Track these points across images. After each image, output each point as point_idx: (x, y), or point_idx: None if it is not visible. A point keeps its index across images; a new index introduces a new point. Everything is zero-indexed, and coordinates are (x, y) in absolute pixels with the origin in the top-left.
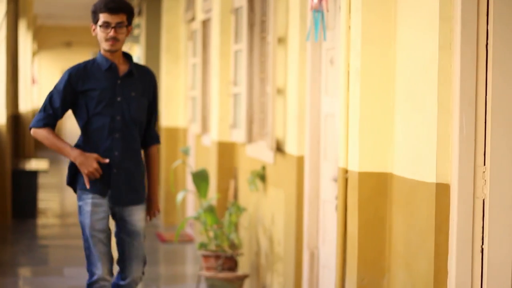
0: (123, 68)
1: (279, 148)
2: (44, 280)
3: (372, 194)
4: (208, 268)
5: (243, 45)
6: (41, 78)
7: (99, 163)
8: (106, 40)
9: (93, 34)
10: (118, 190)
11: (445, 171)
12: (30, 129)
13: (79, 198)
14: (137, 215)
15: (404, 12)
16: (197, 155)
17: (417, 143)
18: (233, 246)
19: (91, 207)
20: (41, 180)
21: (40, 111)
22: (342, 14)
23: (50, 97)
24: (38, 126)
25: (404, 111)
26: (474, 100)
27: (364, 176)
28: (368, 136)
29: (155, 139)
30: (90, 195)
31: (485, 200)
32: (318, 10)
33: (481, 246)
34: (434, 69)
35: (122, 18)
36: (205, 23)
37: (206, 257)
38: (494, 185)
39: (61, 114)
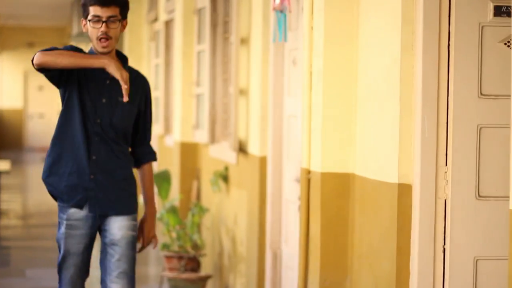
0: None
1: (242, 149)
2: (5, 282)
3: (335, 195)
4: (170, 269)
5: (206, 45)
6: (3, 79)
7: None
8: (98, 38)
9: (84, 30)
10: (95, 198)
11: (407, 171)
12: (33, 60)
13: (59, 211)
14: (119, 223)
15: (367, 13)
16: (160, 156)
17: (379, 144)
18: (196, 246)
19: (66, 229)
20: (3, 181)
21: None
22: (305, 15)
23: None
24: (45, 50)
25: (366, 112)
26: (436, 101)
27: (326, 177)
28: (331, 137)
29: (151, 155)
30: (66, 212)
31: (446, 201)
32: (280, 11)
33: (443, 246)
34: (396, 70)
35: (114, 11)
36: (168, 24)
37: (168, 258)
38: (456, 185)
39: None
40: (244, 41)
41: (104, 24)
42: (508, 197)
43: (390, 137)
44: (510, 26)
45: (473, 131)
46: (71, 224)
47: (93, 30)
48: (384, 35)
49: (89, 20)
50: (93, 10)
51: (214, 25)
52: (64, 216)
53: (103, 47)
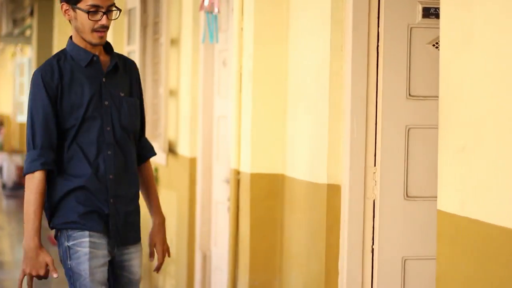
0: (105, 60)
1: (171, 150)
2: None
3: (264, 196)
4: None
5: (136, 46)
6: None
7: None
8: (94, 30)
9: (66, 17)
10: (116, 227)
11: (336, 172)
12: (24, 175)
13: (69, 238)
14: (137, 259)
15: (296, 14)
16: None
17: (309, 145)
18: None
19: (90, 248)
20: None
21: (28, 147)
22: (235, 16)
23: (32, 121)
24: (34, 169)
25: (296, 113)
26: (365, 102)
27: (256, 178)
28: (260, 138)
29: (152, 150)
30: (86, 233)
31: (375, 201)
32: (210, 12)
33: (372, 246)
34: (326, 71)
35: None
36: None
37: None
38: (384, 185)
39: (56, 138)
40: (174, 42)
41: (104, 16)
42: (436, 197)
43: (319, 137)
44: (438, 28)
45: (402, 131)
46: (95, 243)
47: (89, 21)
48: (313, 36)
49: (83, 10)
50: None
51: (144, 26)
52: (86, 233)
53: (100, 38)
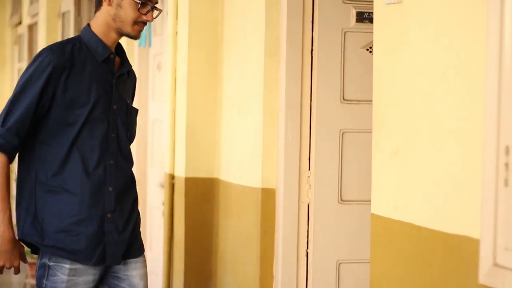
0: (116, 61)
1: None
2: None
3: (199, 200)
4: (34, 276)
5: None
6: None
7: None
8: (136, 23)
9: (106, 3)
10: (113, 243)
11: (271, 176)
12: None
13: (50, 256)
14: (138, 269)
15: (231, 19)
16: None
17: (244, 149)
18: None
19: (69, 276)
20: None
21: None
22: (169, 20)
23: (14, 100)
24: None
25: (231, 117)
26: (299, 106)
27: (190, 182)
28: (195, 142)
29: None
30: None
31: (310, 205)
32: None
33: (306, 250)
34: (260, 75)
35: None
36: (32, 27)
37: (32, 265)
38: (319, 189)
39: (26, 130)
40: None
41: (151, 12)
42: (370, 201)
43: (253, 142)
44: (372, 32)
45: (336, 136)
46: (76, 269)
47: (136, 13)
48: (248, 41)
49: (141, 3)
50: None
51: (78, 29)
52: (62, 260)
53: (139, 32)
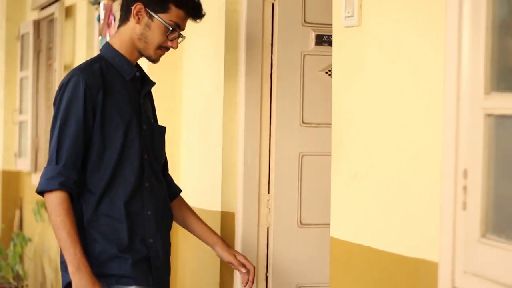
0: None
1: None
2: None
3: None
4: None
5: (29, 72)
6: None
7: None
8: (159, 47)
9: (134, 20)
10: (159, 269)
11: (231, 199)
12: (41, 193)
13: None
14: None
15: (191, 41)
16: None
17: (203, 172)
18: (18, 277)
19: None
20: None
21: (50, 160)
22: None
23: (60, 132)
24: (51, 187)
25: (190, 139)
26: (259, 129)
27: None
28: None
29: (177, 186)
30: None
31: (269, 228)
32: (105, 38)
33: (266, 274)
34: (219, 98)
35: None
36: None
37: None
38: (278, 213)
39: (81, 158)
40: (68, 67)
41: (177, 39)
42: (329, 224)
43: (213, 164)
44: (331, 55)
45: (295, 159)
46: None
47: (163, 37)
48: (207, 63)
49: (163, 21)
50: (177, 14)
51: (37, 52)
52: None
53: (160, 56)
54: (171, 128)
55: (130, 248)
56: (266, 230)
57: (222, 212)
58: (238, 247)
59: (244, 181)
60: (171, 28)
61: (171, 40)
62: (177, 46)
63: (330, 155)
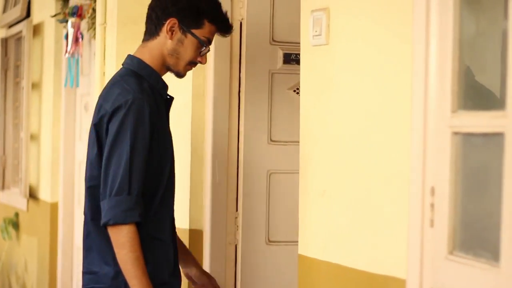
0: None
1: (32, 195)
2: None
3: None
4: None
5: None
6: None
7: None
8: (190, 63)
9: (167, 35)
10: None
11: (199, 217)
12: (111, 225)
13: None
14: None
15: None
16: None
17: None
18: None
19: None
20: None
21: (120, 190)
22: (97, 61)
23: (131, 159)
24: (131, 220)
25: None
26: (227, 147)
27: None
28: None
29: None
30: None
31: (237, 246)
32: (73, 56)
33: None
34: (188, 116)
35: None
36: None
37: None
38: (246, 230)
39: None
40: (36, 85)
41: (206, 53)
42: (297, 241)
43: (181, 182)
44: (299, 73)
45: (263, 177)
46: None
47: (193, 52)
48: (175, 81)
49: (196, 37)
50: (210, 31)
51: (5, 69)
52: None
53: (187, 72)
54: None
55: (175, 272)
56: (234, 247)
57: (190, 229)
58: (206, 265)
59: (212, 199)
60: (204, 44)
61: (201, 56)
62: (206, 61)
63: (298, 173)
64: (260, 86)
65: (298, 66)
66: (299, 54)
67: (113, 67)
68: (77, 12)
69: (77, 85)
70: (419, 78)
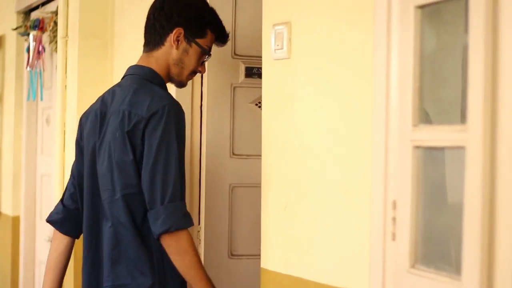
0: None
1: None
2: None
3: None
4: None
5: None
6: None
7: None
8: (192, 72)
9: (173, 45)
10: None
11: None
12: (172, 232)
13: None
14: None
15: (121, 73)
16: None
17: None
18: None
19: None
20: None
21: (173, 197)
22: (59, 74)
23: (179, 165)
24: (190, 224)
25: None
26: (189, 160)
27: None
28: None
29: None
30: None
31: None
32: (34, 69)
33: None
34: None
35: None
36: None
37: None
38: (209, 244)
39: None
40: None
41: (205, 62)
42: (259, 255)
43: None
44: (260, 87)
45: (226, 190)
46: None
47: (196, 61)
48: None
49: (200, 46)
50: (211, 40)
51: None
52: None
53: (188, 80)
54: None
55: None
56: None
57: None
58: None
59: None
60: (207, 53)
61: (202, 65)
62: (205, 70)
63: (260, 186)
64: (222, 100)
65: (260, 80)
66: (261, 68)
67: (74, 80)
68: (39, 25)
69: (40, 99)
70: (380, 92)
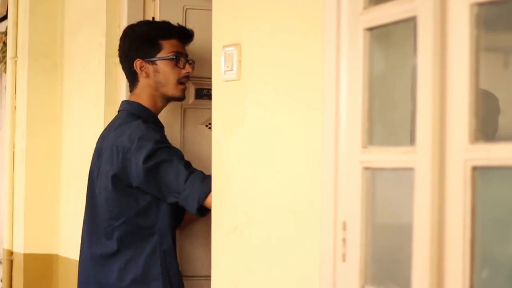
0: None
1: None
2: None
3: (38, 276)
4: None
5: None
6: None
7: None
8: (179, 81)
9: (143, 75)
10: None
11: None
12: (204, 199)
13: None
14: None
15: (71, 95)
16: None
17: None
18: None
19: None
20: None
21: (182, 176)
22: (8, 94)
23: (181, 162)
24: (208, 190)
25: (70, 192)
26: None
27: (29, 258)
28: (33, 218)
29: None
30: None
31: None
32: None
33: None
34: None
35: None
36: None
37: None
38: None
39: None
40: None
41: (187, 63)
42: (210, 276)
43: None
44: (210, 108)
45: None
46: None
47: (173, 71)
48: (87, 116)
49: (172, 59)
50: (172, 45)
51: None
52: None
53: (183, 91)
54: (51, 181)
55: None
56: None
57: None
58: None
59: None
60: (175, 58)
61: (183, 68)
62: (192, 69)
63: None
64: (172, 121)
65: (210, 101)
66: (211, 89)
67: (24, 101)
68: None
69: None
70: (329, 114)
